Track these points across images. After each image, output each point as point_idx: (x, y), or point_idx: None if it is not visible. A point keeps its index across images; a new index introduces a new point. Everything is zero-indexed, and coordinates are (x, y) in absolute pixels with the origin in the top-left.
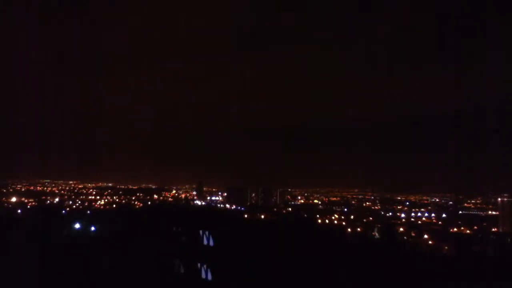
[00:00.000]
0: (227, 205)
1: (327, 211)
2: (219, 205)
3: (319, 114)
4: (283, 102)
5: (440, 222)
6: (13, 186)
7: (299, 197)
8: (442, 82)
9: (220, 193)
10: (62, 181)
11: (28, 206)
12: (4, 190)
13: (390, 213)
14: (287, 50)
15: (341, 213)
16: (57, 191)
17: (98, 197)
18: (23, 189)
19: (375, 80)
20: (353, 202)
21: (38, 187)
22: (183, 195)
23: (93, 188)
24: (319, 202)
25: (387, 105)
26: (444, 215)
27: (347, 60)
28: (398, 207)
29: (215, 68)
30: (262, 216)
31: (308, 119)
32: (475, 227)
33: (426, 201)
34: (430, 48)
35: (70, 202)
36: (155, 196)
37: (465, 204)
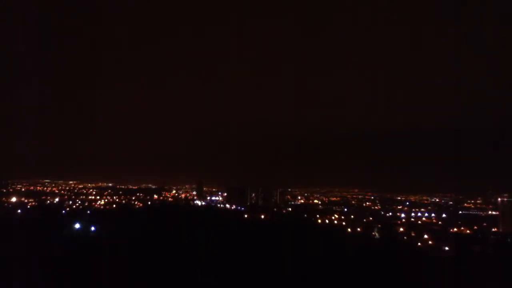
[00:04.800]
0: (227, 205)
1: (327, 211)
2: (219, 205)
3: (319, 115)
4: (283, 101)
5: (440, 222)
6: (13, 186)
7: (299, 197)
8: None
9: (220, 193)
10: (62, 181)
11: (28, 206)
12: (4, 190)
13: (390, 213)
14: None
15: (341, 213)
16: (57, 191)
17: (98, 197)
18: (23, 189)
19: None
20: (353, 202)
21: (38, 187)
22: (183, 195)
23: (93, 188)
24: (319, 202)
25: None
26: (444, 215)
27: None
28: (398, 207)
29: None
30: (262, 216)
31: (308, 119)
32: (475, 227)
33: (426, 201)
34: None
35: (70, 202)
36: (155, 196)
37: (465, 204)
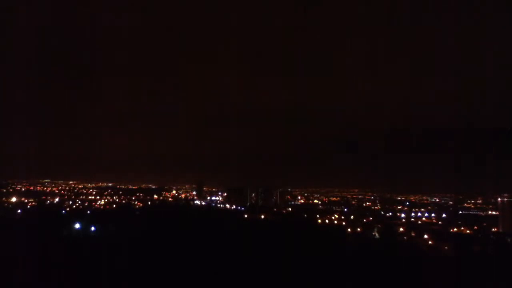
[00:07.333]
0: (227, 205)
1: (327, 211)
2: (219, 205)
3: (319, 115)
4: (283, 101)
5: (440, 222)
6: (13, 186)
7: (299, 197)
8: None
9: (220, 193)
10: (62, 181)
11: (28, 206)
12: (4, 190)
13: (390, 213)
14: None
15: (341, 213)
16: (57, 191)
17: (98, 197)
18: (23, 189)
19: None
20: (353, 202)
21: (38, 187)
22: (183, 195)
23: (93, 188)
24: (319, 202)
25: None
26: (444, 215)
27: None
28: (398, 207)
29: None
30: (262, 216)
31: (308, 119)
32: (475, 227)
33: (426, 201)
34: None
35: (70, 202)
36: (155, 196)
37: (465, 204)
